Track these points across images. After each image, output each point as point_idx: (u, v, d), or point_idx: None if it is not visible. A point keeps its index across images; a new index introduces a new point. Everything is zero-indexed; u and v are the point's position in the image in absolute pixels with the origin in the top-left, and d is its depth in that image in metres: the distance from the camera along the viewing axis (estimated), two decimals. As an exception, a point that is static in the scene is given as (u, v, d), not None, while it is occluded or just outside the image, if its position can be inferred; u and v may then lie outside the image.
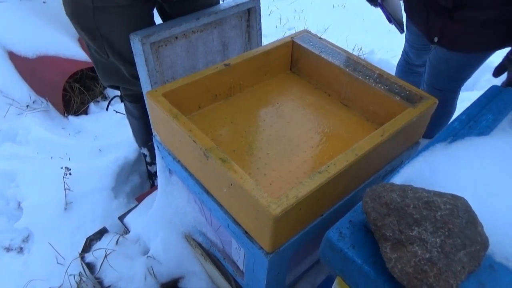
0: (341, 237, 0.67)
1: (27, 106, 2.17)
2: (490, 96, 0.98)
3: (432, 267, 0.54)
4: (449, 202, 0.58)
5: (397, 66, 1.87)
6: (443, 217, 0.57)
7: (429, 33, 1.37)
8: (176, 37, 1.24)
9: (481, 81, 2.45)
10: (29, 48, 2.22)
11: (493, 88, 1.01)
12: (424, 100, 1.02)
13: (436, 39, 1.35)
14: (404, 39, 1.73)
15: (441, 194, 0.60)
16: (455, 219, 0.57)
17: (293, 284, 1.23)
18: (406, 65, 1.80)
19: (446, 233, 0.56)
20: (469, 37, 1.29)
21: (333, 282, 0.76)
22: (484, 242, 0.60)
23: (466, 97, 2.27)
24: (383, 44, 2.74)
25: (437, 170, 0.76)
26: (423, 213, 0.58)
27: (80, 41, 2.39)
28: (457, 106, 1.67)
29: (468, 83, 2.50)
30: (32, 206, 1.63)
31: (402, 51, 1.81)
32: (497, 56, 1.32)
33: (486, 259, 0.62)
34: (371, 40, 2.85)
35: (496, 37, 1.26)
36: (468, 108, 0.95)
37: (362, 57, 2.57)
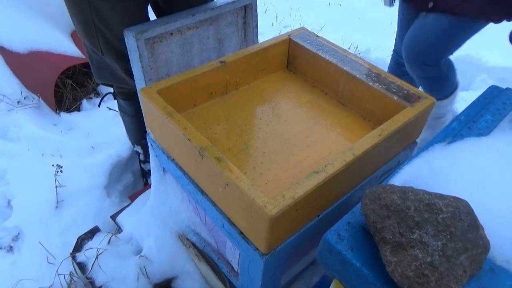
0: (339, 239, 0.65)
1: (18, 102, 2.13)
2: (489, 96, 0.97)
3: (433, 271, 0.53)
4: (451, 205, 0.57)
5: (387, 70, 1.86)
6: (444, 220, 0.56)
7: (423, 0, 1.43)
8: (171, 34, 1.22)
9: (476, 81, 2.45)
10: (21, 43, 2.18)
11: (492, 89, 1.00)
12: (422, 100, 1.02)
13: (431, 4, 1.42)
14: (394, 39, 1.72)
15: (442, 196, 0.59)
16: (457, 222, 0.55)
17: (288, 285, 1.22)
18: (397, 67, 1.80)
19: (448, 236, 0.55)
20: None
21: (329, 284, 0.75)
22: (485, 246, 0.59)
23: (461, 97, 2.28)
24: (379, 43, 2.73)
25: (436, 171, 0.75)
26: (424, 215, 0.57)
27: (73, 36, 2.35)
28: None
29: (463, 83, 2.49)
30: (23, 204, 1.60)
31: (392, 54, 1.80)
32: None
33: (487, 262, 0.61)
34: (367, 39, 2.84)
35: (489, 1, 1.32)
36: (466, 109, 0.94)
37: (358, 55, 2.56)
